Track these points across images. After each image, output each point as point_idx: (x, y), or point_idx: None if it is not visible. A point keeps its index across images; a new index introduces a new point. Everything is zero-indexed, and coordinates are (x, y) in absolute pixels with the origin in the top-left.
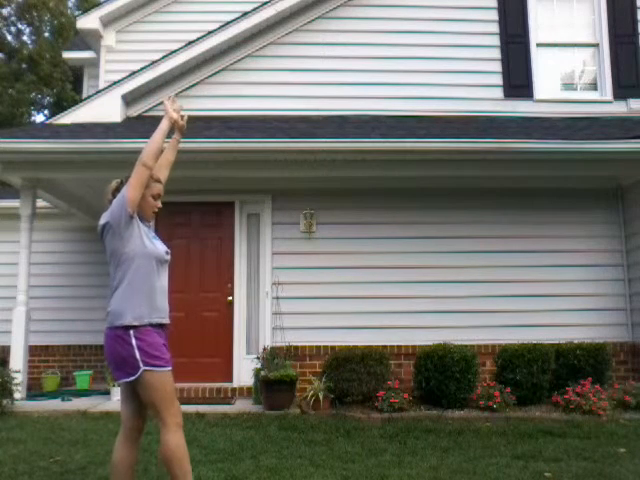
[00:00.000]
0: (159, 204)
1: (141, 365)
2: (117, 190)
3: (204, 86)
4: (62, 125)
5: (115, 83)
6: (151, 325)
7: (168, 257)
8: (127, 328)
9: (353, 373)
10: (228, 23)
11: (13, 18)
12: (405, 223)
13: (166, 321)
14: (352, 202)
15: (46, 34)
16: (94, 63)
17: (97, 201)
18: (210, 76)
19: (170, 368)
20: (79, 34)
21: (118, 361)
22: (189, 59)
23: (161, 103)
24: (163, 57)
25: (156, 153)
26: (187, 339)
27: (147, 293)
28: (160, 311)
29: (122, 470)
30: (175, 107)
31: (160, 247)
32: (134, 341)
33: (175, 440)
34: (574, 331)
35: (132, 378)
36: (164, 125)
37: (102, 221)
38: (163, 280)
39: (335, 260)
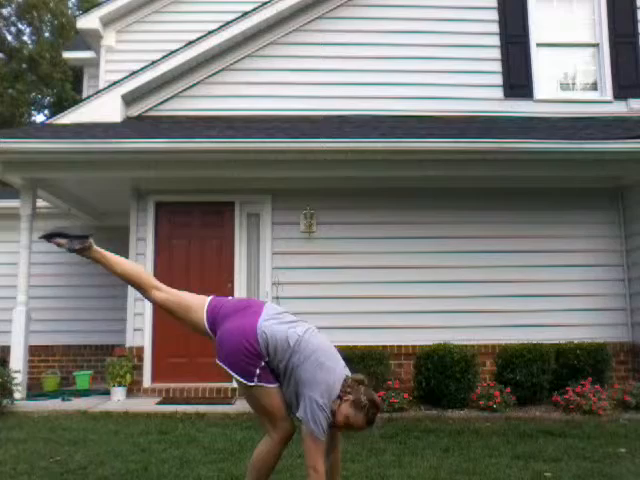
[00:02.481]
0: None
1: (255, 380)
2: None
3: (204, 86)
4: (62, 125)
5: (115, 83)
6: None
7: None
8: (262, 356)
9: (353, 373)
10: (228, 23)
11: (13, 18)
12: (405, 223)
13: None
14: (352, 202)
15: (46, 34)
16: (94, 63)
17: (97, 201)
18: (210, 76)
19: (277, 386)
20: (79, 34)
21: (235, 359)
22: (189, 59)
23: (161, 103)
24: (163, 57)
25: None
26: (187, 339)
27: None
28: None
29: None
30: None
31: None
32: (262, 363)
33: (271, 450)
34: (574, 331)
35: (241, 379)
36: None
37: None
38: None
39: (335, 260)
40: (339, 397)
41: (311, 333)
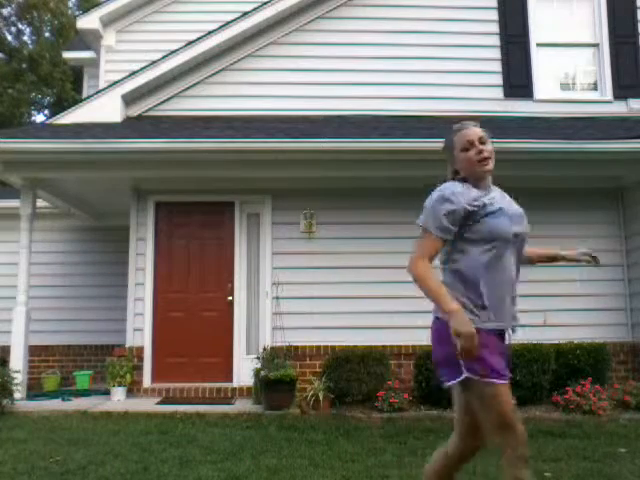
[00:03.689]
0: (482, 153)
1: (463, 370)
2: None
3: (204, 86)
4: (62, 125)
5: (115, 83)
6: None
7: (516, 234)
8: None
9: (353, 373)
10: (228, 23)
11: (13, 18)
12: (405, 223)
13: (504, 326)
14: (352, 202)
15: (46, 34)
16: (94, 63)
17: (97, 201)
18: (210, 76)
19: (504, 382)
20: (79, 34)
21: (440, 358)
22: (189, 59)
23: (161, 103)
24: (163, 57)
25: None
26: (187, 339)
27: (476, 284)
28: (495, 312)
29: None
30: None
31: (505, 223)
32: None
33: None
34: (574, 331)
35: (450, 382)
36: (449, 308)
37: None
38: (505, 269)
39: (335, 260)
40: (461, 179)
41: None
